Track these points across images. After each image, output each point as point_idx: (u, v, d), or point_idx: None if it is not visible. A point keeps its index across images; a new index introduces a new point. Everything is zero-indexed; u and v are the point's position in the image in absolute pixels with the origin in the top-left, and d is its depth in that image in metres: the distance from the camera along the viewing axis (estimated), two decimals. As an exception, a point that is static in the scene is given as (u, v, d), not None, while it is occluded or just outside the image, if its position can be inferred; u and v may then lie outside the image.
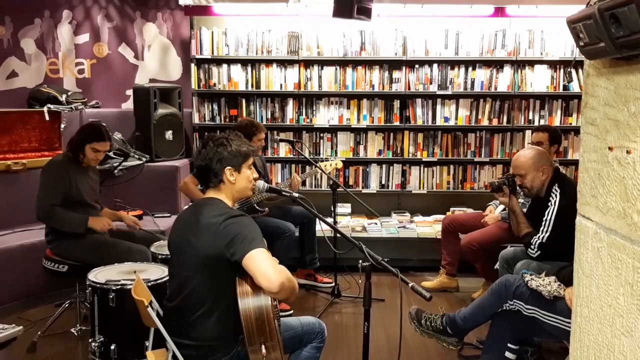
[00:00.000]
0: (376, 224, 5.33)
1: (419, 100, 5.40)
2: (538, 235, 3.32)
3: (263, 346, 2.16)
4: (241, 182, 2.43)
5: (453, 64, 5.34)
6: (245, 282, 2.21)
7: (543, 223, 3.33)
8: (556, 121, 5.37)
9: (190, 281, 2.30)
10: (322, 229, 4.46)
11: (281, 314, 2.62)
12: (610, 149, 1.20)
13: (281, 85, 5.39)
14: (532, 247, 3.33)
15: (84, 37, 5.67)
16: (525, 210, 4.22)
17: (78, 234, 3.67)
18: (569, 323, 1.40)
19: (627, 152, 1.13)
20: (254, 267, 2.10)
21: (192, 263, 2.29)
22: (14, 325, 3.76)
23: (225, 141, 2.40)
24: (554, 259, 3.19)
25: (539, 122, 5.34)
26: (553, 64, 5.31)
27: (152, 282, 2.95)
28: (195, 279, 2.29)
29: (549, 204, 3.34)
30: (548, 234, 3.28)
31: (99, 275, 3.13)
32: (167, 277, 3.04)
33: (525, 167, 3.41)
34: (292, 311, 4.09)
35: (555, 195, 3.32)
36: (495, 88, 5.34)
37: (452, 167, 5.50)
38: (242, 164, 2.42)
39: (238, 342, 2.26)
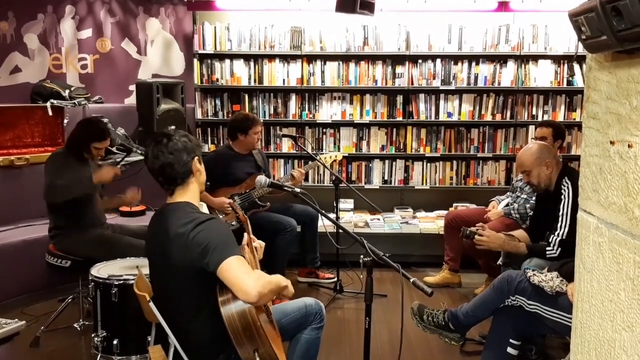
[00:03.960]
0: (379, 219, 5.32)
1: (422, 96, 5.39)
2: (556, 233, 3.20)
3: (256, 354, 2.10)
4: (203, 173, 2.40)
5: (456, 59, 5.31)
6: (225, 290, 2.12)
7: (560, 219, 3.21)
8: (560, 116, 5.35)
9: (171, 290, 2.26)
10: (324, 224, 4.46)
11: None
12: (612, 143, 1.19)
13: (284, 80, 5.37)
14: (550, 247, 3.20)
15: (86, 33, 5.67)
16: (528, 208, 4.22)
17: (80, 230, 3.69)
18: (571, 318, 1.40)
19: (629, 146, 1.12)
20: (229, 279, 2.03)
21: (169, 275, 2.24)
22: (17, 320, 3.76)
23: (183, 132, 2.37)
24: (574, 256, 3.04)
25: (543, 117, 5.32)
26: (557, 59, 5.28)
27: (154, 277, 2.95)
28: (175, 289, 2.24)
29: (562, 197, 3.25)
30: (567, 229, 3.16)
31: (101, 270, 3.15)
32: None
33: (528, 164, 3.38)
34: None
35: (567, 189, 3.24)
36: (499, 83, 5.32)
37: (455, 162, 5.49)
38: (200, 155, 2.38)
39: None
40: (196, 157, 2.32)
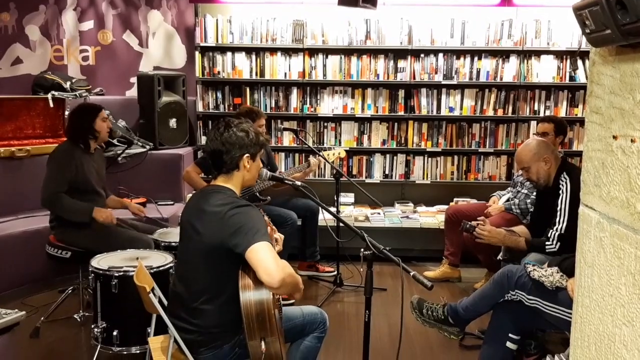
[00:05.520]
0: (379, 213, 5.32)
1: (423, 90, 5.38)
2: (555, 228, 3.21)
3: (263, 342, 2.16)
4: (253, 171, 2.42)
5: (459, 53, 5.30)
6: (247, 275, 2.19)
7: (558, 213, 3.23)
8: (562, 112, 5.34)
9: (194, 268, 2.31)
10: (324, 217, 4.46)
11: (283, 302, 2.62)
12: (614, 137, 1.19)
13: (285, 73, 5.36)
14: (550, 241, 3.21)
15: (88, 24, 5.66)
16: (529, 204, 4.22)
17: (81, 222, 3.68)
18: (571, 313, 1.40)
19: (632, 140, 1.12)
20: (256, 260, 2.09)
21: (196, 250, 2.29)
22: (17, 310, 3.77)
23: (247, 127, 2.39)
24: (574, 250, 3.04)
25: (545, 112, 5.31)
26: (559, 55, 5.27)
27: (154, 269, 2.96)
28: (198, 266, 2.29)
29: (560, 192, 3.26)
30: (565, 223, 3.18)
31: (101, 261, 3.15)
32: (169, 265, 3.06)
33: (527, 160, 3.37)
34: (294, 300, 4.09)
35: (565, 183, 3.25)
36: (501, 78, 5.30)
37: (456, 157, 5.48)
38: (257, 153, 2.42)
39: (240, 330, 2.26)
40: (247, 155, 2.36)
